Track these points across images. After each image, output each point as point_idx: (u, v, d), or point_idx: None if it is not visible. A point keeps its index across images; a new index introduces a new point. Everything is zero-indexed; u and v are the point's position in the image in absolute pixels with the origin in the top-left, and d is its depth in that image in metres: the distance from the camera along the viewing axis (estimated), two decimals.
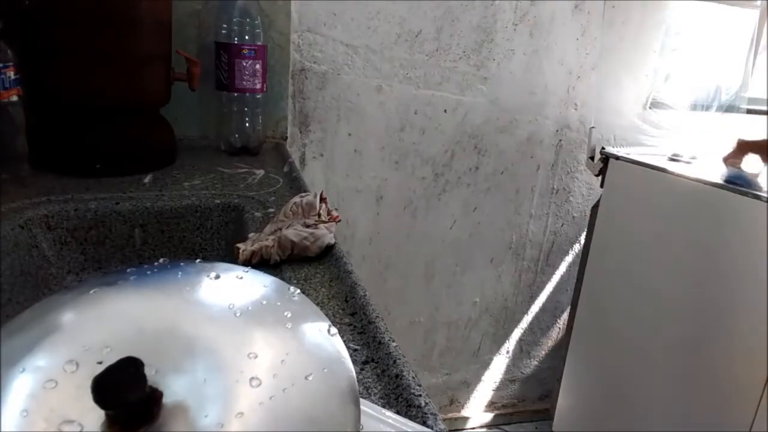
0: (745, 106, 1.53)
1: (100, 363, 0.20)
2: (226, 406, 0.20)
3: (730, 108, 1.51)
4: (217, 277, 0.25)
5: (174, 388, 0.20)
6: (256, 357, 0.21)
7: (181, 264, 0.26)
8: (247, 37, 0.93)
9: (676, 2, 1.40)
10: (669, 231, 1.16)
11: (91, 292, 0.24)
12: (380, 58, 1.22)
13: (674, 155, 1.25)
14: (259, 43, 0.94)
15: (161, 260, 0.27)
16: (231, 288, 0.25)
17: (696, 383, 1.10)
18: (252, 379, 0.20)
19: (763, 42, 1.52)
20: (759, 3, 1.47)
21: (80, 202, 0.65)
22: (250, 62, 0.93)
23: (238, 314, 0.23)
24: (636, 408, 1.24)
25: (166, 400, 0.19)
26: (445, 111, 1.31)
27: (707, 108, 1.50)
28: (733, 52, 1.50)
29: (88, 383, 0.17)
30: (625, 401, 1.28)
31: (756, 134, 1.56)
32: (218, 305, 0.24)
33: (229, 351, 0.21)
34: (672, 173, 1.14)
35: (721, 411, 1.04)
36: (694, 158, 1.24)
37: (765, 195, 0.96)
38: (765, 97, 1.55)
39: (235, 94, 0.95)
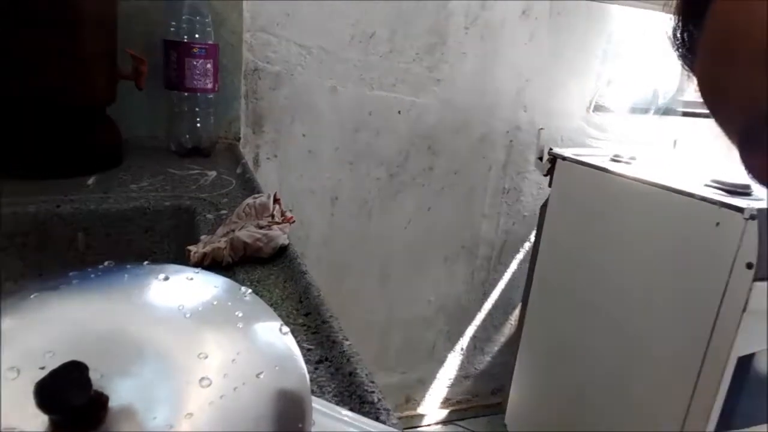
0: (680, 109, 1.62)
1: (42, 368, 0.19)
2: (175, 407, 0.20)
3: (667, 111, 1.60)
4: (166, 278, 0.25)
5: (121, 391, 0.19)
6: (206, 357, 0.21)
7: (128, 267, 0.26)
8: (197, 36, 0.91)
9: (618, 11, 1.47)
10: (612, 228, 1.22)
11: (32, 296, 0.23)
12: (334, 59, 1.22)
13: (615, 156, 1.31)
14: (210, 42, 0.93)
15: (106, 263, 0.26)
16: (180, 289, 0.25)
17: (641, 375, 1.15)
18: (202, 379, 0.21)
19: None
20: None
21: (18, 205, 0.62)
22: (201, 61, 0.91)
23: (187, 315, 0.23)
24: (585, 401, 1.30)
25: (113, 403, 0.19)
26: (399, 112, 1.33)
27: (646, 111, 1.58)
28: (670, 58, 1.59)
29: (31, 389, 0.17)
30: (575, 394, 1.33)
31: (692, 136, 1.66)
32: (167, 307, 0.23)
33: (179, 352, 0.21)
34: (613, 173, 1.20)
35: (666, 403, 1.10)
36: (633, 159, 1.30)
37: (697, 194, 1.02)
38: (699, 100, 1.64)
39: (186, 94, 0.93)
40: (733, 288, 0.96)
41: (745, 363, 1.01)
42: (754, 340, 1.00)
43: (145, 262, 0.26)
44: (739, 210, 0.94)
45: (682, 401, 1.05)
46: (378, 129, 1.32)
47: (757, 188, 1.10)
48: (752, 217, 0.93)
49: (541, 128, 1.44)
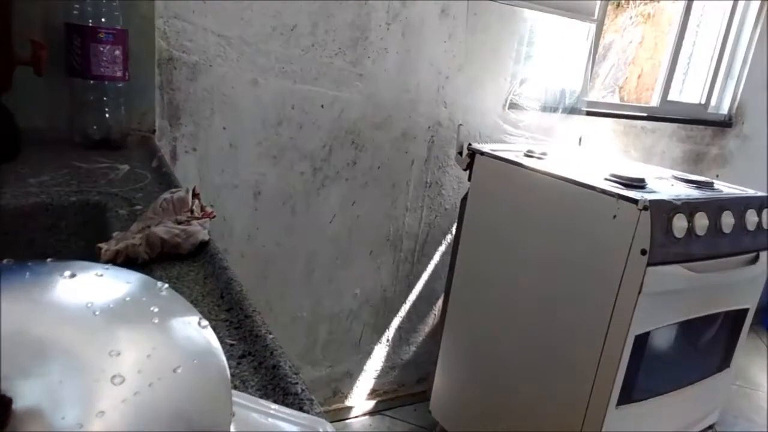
0: (585, 109, 1.74)
1: None
2: (86, 406, 0.19)
3: (573, 110, 1.71)
4: (73, 276, 0.24)
5: (26, 392, 0.19)
6: (118, 354, 0.21)
7: (29, 264, 0.24)
8: (104, 20, 0.86)
9: (530, 15, 1.55)
10: (526, 219, 1.29)
11: None
12: (255, 51, 1.20)
13: (529, 152, 1.39)
14: (119, 27, 0.87)
15: (5, 261, 0.25)
16: (89, 286, 0.24)
17: (552, 357, 1.24)
18: (114, 377, 0.20)
19: (600, 51, 1.74)
20: (595, 18, 1.68)
21: None
22: (108, 47, 0.86)
23: (97, 312, 0.22)
24: (502, 384, 1.37)
25: (17, 405, 0.18)
26: (322, 106, 1.32)
27: (554, 110, 1.68)
28: (575, 61, 1.71)
29: None
30: (493, 378, 1.40)
31: (594, 134, 1.79)
32: (74, 304, 0.22)
33: (88, 350, 0.21)
34: (527, 167, 1.27)
35: (575, 381, 1.18)
36: (545, 154, 1.39)
37: (598, 187, 1.11)
38: (602, 100, 1.78)
39: (92, 82, 0.87)
40: (629, 272, 1.05)
41: (641, 341, 1.11)
42: (648, 320, 1.11)
43: (49, 260, 0.25)
44: (634, 201, 1.04)
45: (587, 379, 1.13)
46: (301, 123, 1.31)
47: (650, 181, 1.21)
48: (645, 208, 1.02)
49: (461, 124, 1.49)
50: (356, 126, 1.39)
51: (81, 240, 0.65)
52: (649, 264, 1.03)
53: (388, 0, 1.32)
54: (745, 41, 2.14)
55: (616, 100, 2.23)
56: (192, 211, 0.62)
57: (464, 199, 1.47)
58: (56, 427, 0.18)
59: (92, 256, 0.53)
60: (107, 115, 0.90)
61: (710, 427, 1.48)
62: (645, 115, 1.97)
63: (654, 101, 2.07)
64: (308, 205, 1.39)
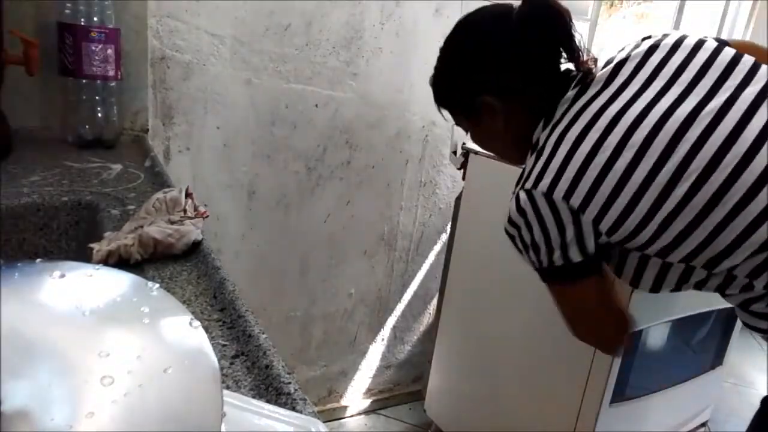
0: None
1: None
2: (75, 407, 0.19)
3: None
4: (62, 276, 0.24)
5: (14, 394, 0.18)
6: (108, 355, 0.21)
7: (18, 264, 0.24)
8: (95, 19, 0.85)
9: None
10: None
11: None
12: (249, 51, 1.19)
13: None
14: (111, 26, 0.87)
15: None
16: (78, 287, 0.24)
17: (546, 356, 1.24)
18: (104, 377, 0.20)
19: (594, 51, 1.74)
20: (588, 17, 1.69)
21: None
22: (100, 46, 0.85)
23: (86, 313, 0.22)
24: (496, 383, 1.37)
25: (5, 407, 0.18)
26: (317, 106, 1.32)
27: None
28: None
29: None
30: (487, 377, 1.40)
31: None
32: (63, 305, 0.22)
33: (77, 351, 0.20)
34: (519, 166, 1.27)
35: (569, 380, 1.19)
36: None
37: None
38: None
39: (84, 81, 0.87)
40: None
41: (634, 338, 1.12)
42: (641, 318, 1.11)
43: (38, 260, 0.25)
44: None
45: (581, 377, 1.14)
46: (295, 122, 1.31)
47: None
48: None
49: (454, 124, 1.49)
50: (350, 125, 1.39)
51: (72, 240, 0.65)
52: None
53: (382, 0, 1.32)
54: None
55: None
56: (185, 211, 0.62)
57: (458, 198, 1.47)
58: (45, 428, 0.18)
59: (84, 256, 0.53)
60: (100, 115, 0.89)
61: (703, 424, 1.49)
62: None
63: None
64: (302, 204, 1.39)
